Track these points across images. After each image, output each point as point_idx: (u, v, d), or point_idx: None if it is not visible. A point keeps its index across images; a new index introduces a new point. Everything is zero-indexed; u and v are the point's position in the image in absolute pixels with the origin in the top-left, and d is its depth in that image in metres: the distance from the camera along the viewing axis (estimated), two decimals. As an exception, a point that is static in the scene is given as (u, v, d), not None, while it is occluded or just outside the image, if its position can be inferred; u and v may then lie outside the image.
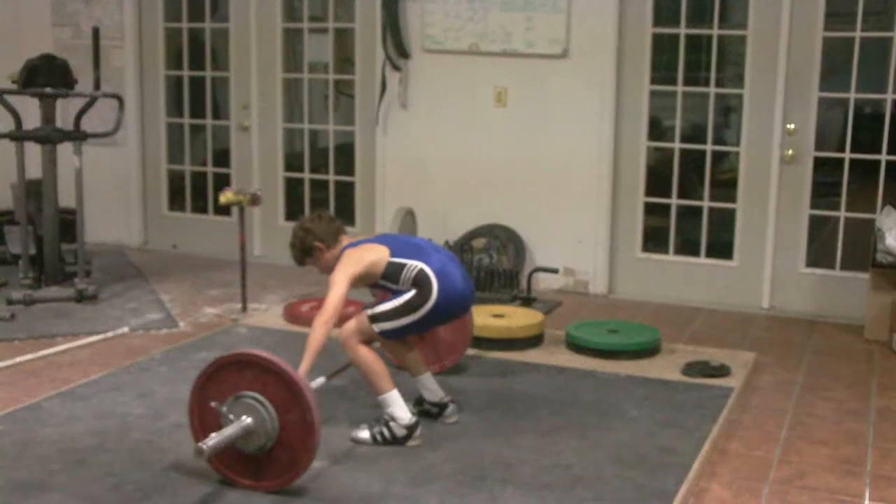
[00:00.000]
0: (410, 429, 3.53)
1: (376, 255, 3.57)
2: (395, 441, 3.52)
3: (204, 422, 3.20)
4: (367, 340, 3.54)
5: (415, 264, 3.54)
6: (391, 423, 3.52)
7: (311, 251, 3.67)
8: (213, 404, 3.13)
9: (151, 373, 4.35)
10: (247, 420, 3.09)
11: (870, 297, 5.23)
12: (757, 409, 4.15)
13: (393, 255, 3.58)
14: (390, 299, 3.56)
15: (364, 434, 3.56)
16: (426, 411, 3.79)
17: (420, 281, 3.52)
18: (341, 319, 3.52)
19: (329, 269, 3.61)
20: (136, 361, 4.52)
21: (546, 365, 4.54)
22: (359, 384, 3.84)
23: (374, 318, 3.52)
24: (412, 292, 3.51)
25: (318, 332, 3.35)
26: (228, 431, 3.07)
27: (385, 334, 3.55)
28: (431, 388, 3.81)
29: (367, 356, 3.51)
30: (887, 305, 5.12)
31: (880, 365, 4.82)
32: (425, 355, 4.34)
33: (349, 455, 3.47)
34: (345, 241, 3.69)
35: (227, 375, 3.16)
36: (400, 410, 3.53)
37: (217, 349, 4.70)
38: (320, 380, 3.49)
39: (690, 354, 4.69)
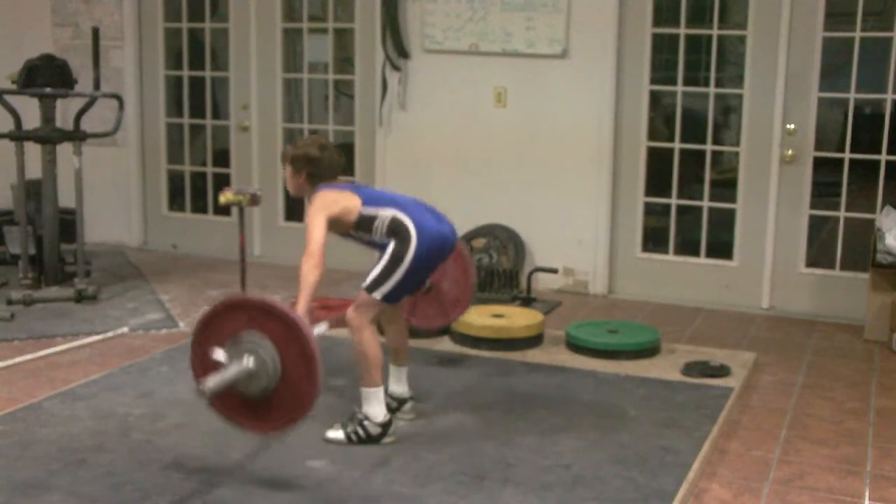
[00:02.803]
0: (384, 427, 3.52)
1: (349, 202, 3.52)
2: (370, 439, 3.50)
3: (207, 372, 3.13)
4: (375, 316, 3.49)
5: (386, 213, 3.50)
6: (365, 423, 3.50)
7: (285, 160, 3.64)
8: (214, 353, 3.07)
9: (151, 373, 4.35)
10: (248, 360, 3.04)
11: (870, 297, 5.22)
12: (757, 409, 4.15)
13: (364, 204, 3.52)
14: (375, 264, 3.51)
15: (338, 434, 3.53)
16: (386, 403, 3.78)
17: (396, 228, 3.47)
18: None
19: (295, 189, 3.64)
20: (135, 361, 4.52)
21: (546, 365, 4.54)
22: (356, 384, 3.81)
23: (370, 288, 3.47)
24: (392, 244, 3.47)
25: (310, 275, 3.29)
26: (230, 371, 3.02)
27: (387, 298, 3.48)
28: (402, 381, 3.84)
29: (371, 342, 3.47)
30: (887, 305, 5.12)
31: (880, 365, 4.82)
32: (431, 311, 4.25)
33: (349, 455, 3.46)
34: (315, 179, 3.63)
35: (224, 321, 3.11)
36: (377, 407, 3.51)
37: (217, 349, 4.71)
38: (322, 325, 3.43)
39: (690, 354, 4.69)
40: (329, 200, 3.50)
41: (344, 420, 3.58)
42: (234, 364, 3.05)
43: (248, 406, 3.13)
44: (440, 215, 3.62)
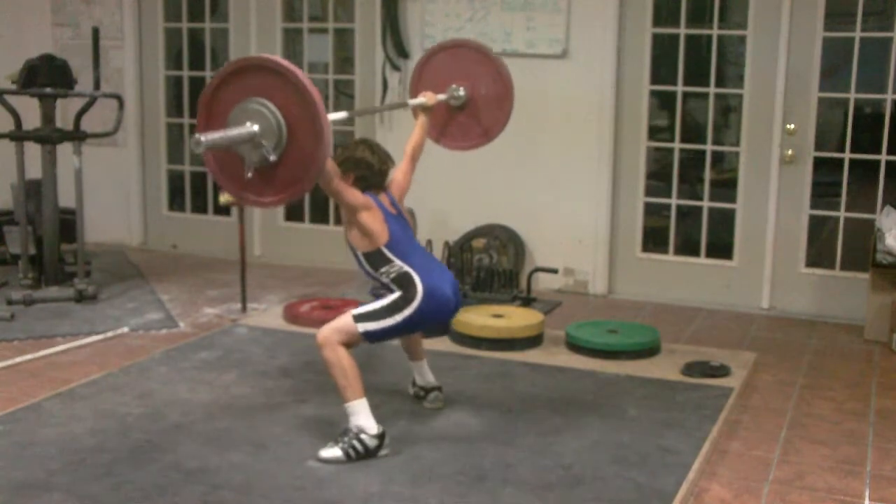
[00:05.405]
0: (380, 438, 3.42)
1: (380, 230, 3.49)
2: (368, 453, 3.39)
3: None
4: (348, 343, 3.43)
5: (401, 264, 3.50)
6: (362, 436, 3.39)
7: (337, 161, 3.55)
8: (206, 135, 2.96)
9: (151, 373, 4.35)
10: (252, 126, 2.98)
11: (870, 297, 5.22)
12: (757, 409, 4.15)
13: (388, 244, 3.51)
14: (374, 300, 3.53)
15: (334, 452, 3.40)
16: (414, 394, 3.93)
17: (404, 283, 3.47)
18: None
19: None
20: (135, 361, 4.52)
21: (546, 365, 4.54)
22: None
23: (359, 318, 3.44)
24: (396, 293, 3.48)
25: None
26: (233, 132, 2.97)
27: (369, 335, 3.45)
28: (424, 373, 3.92)
29: (346, 359, 3.40)
30: (887, 305, 5.12)
31: (880, 365, 4.82)
32: (472, 129, 4.17)
33: (349, 455, 3.47)
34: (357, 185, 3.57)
35: (236, 83, 3.06)
36: (367, 420, 3.42)
37: (217, 349, 4.71)
38: (341, 113, 3.30)
39: (690, 354, 4.69)
40: (373, 215, 3.48)
41: (337, 436, 3.45)
42: (237, 127, 2.98)
43: (256, 180, 3.06)
44: (447, 275, 3.61)
